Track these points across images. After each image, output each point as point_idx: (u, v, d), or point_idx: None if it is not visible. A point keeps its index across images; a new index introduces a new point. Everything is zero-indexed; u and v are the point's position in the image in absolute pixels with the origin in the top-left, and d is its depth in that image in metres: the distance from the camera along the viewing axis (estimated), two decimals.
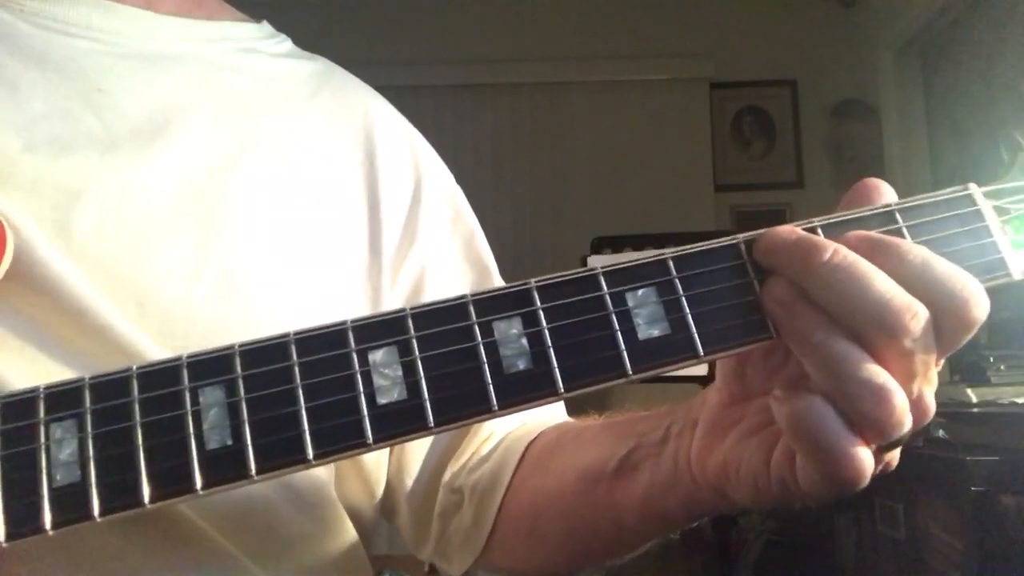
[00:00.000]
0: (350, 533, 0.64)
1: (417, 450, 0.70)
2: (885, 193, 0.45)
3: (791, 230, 0.42)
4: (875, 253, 0.40)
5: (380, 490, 0.69)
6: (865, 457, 0.39)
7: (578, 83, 3.58)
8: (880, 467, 0.42)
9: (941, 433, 1.87)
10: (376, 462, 0.68)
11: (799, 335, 0.40)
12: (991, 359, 2.00)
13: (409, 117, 0.80)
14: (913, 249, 0.41)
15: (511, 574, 0.70)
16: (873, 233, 0.42)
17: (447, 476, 0.70)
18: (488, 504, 0.66)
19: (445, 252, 0.74)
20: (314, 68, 0.76)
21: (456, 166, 0.80)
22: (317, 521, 0.61)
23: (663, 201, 3.33)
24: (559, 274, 0.41)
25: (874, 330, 0.39)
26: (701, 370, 0.41)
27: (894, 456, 0.43)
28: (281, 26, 0.78)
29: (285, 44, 0.77)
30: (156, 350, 0.54)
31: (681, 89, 3.56)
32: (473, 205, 0.79)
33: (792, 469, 0.42)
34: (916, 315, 0.39)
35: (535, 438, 0.68)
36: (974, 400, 1.92)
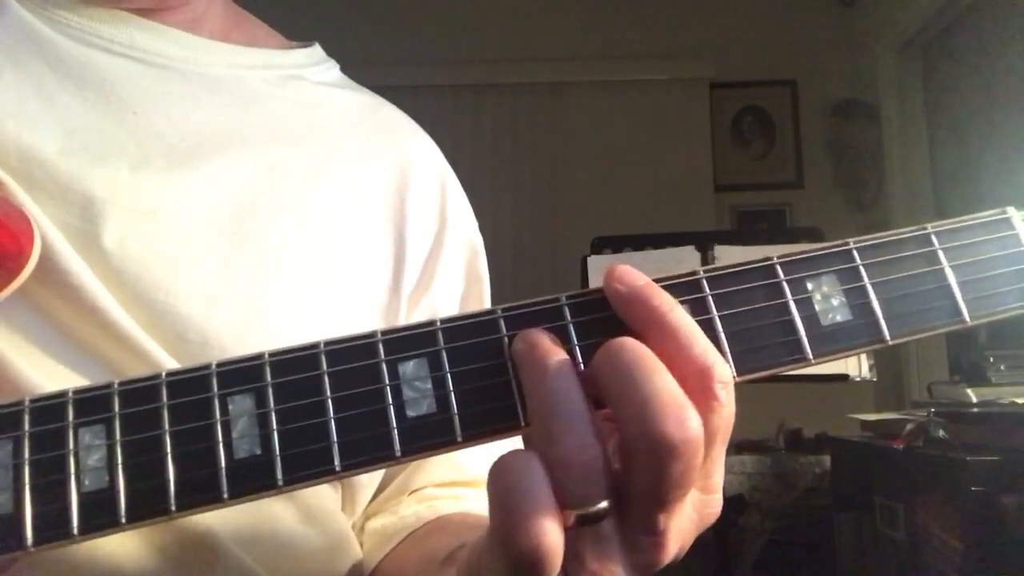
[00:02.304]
0: (355, 548, 0.65)
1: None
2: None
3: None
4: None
5: (362, 508, 0.69)
6: (551, 528, 0.35)
7: (578, 83, 3.58)
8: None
9: (941, 433, 1.87)
10: (370, 483, 0.68)
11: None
12: (991, 359, 2.01)
13: (442, 153, 0.79)
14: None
15: None
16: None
17: (363, 517, 0.69)
18: (369, 563, 0.66)
19: (451, 303, 0.74)
20: (358, 100, 0.76)
21: (456, 166, 0.80)
22: (326, 536, 0.62)
23: (663, 201, 3.34)
24: (588, 290, 0.41)
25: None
26: None
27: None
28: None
29: (332, 72, 0.76)
30: (172, 363, 0.54)
31: (681, 89, 3.56)
32: (473, 205, 0.80)
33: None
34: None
35: (431, 520, 0.66)
36: (974, 400, 1.93)
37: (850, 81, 3.50)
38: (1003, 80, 2.73)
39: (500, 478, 0.36)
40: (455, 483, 0.70)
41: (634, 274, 0.40)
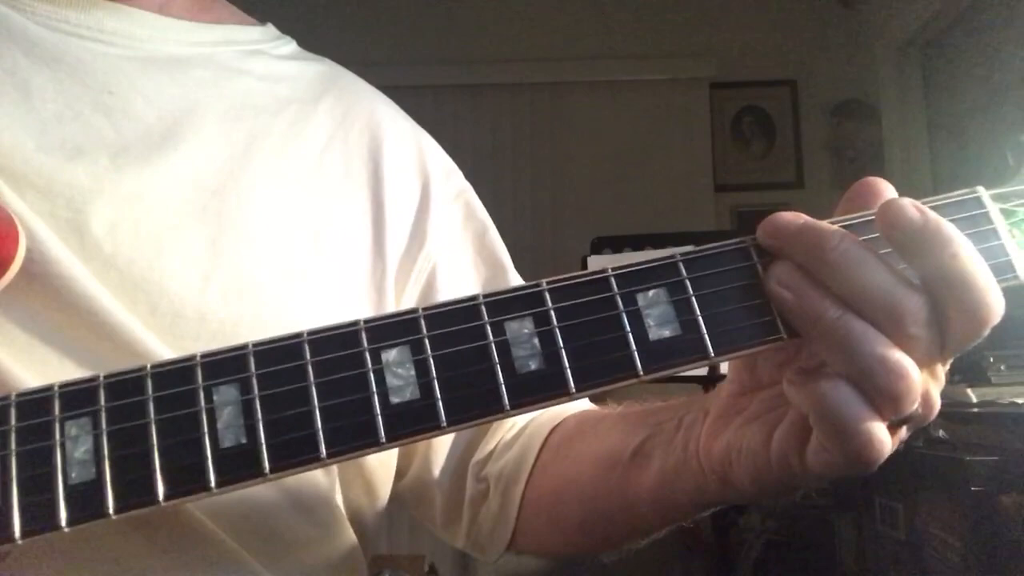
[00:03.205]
0: (349, 537, 0.65)
1: (443, 441, 0.71)
2: (886, 193, 0.45)
3: (796, 215, 0.42)
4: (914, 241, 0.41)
5: (385, 493, 0.70)
6: (885, 436, 0.41)
7: (578, 83, 3.58)
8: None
9: (941, 433, 1.87)
10: (382, 466, 0.69)
11: (813, 317, 0.41)
12: (991, 359, 2.00)
13: (409, 117, 0.80)
14: (948, 245, 0.41)
15: (535, 556, 0.71)
16: (921, 218, 0.42)
17: (473, 465, 0.71)
18: (512, 492, 0.67)
19: (457, 250, 0.75)
20: (319, 70, 0.77)
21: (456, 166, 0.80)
22: (317, 525, 0.62)
23: (663, 201, 3.34)
24: (570, 275, 0.41)
25: (880, 314, 0.40)
26: (701, 370, 0.42)
27: (899, 438, 0.44)
28: (281, 26, 0.78)
29: (289, 46, 0.77)
30: (165, 351, 0.55)
31: (681, 89, 3.56)
32: None
33: (797, 448, 0.43)
34: (919, 301, 0.40)
35: (557, 425, 0.69)
36: (974, 400, 1.92)
37: (850, 81, 3.50)
38: (1003, 80, 2.72)
39: (827, 408, 0.40)
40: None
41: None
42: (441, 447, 0.71)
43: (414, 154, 0.75)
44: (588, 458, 0.62)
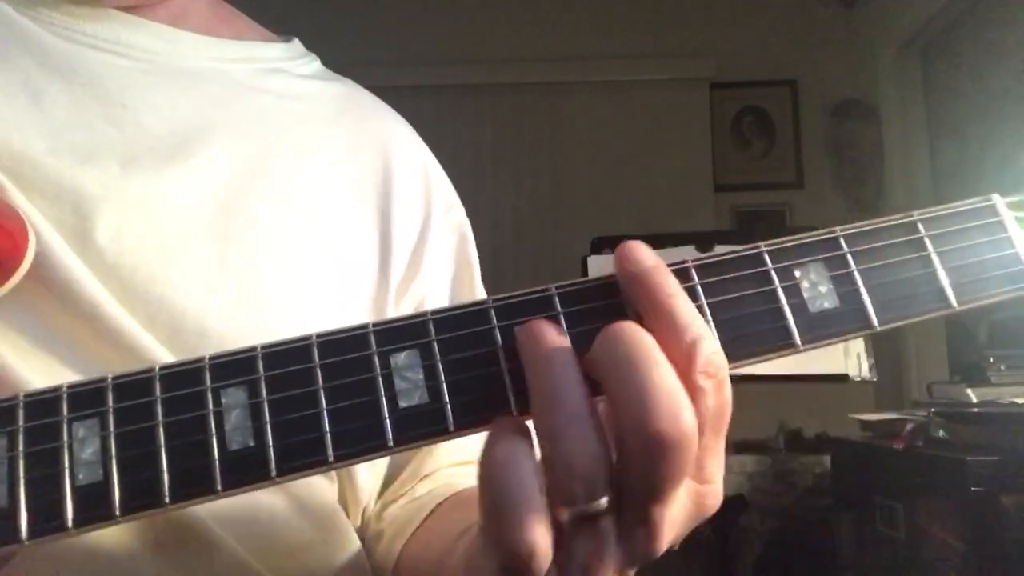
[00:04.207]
0: (353, 542, 0.65)
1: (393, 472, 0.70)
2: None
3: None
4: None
5: (372, 503, 0.70)
6: (545, 534, 0.35)
7: (578, 83, 3.58)
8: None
9: (941, 433, 1.87)
10: (372, 476, 0.68)
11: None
12: (991, 359, 2.01)
13: (409, 117, 0.80)
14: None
15: None
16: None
17: (382, 503, 0.70)
18: (394, 546, 0.65)
19: (443, 286, 0.75)
20: (339, 90, 0.76)
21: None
22: (321, 529, 0.62)
23: (663, 201, 3.34)
24: (578, 280, 0.41)
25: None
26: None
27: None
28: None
29: (313, 64, 0.77)
30: (169, 358, 0.54)
31: (681, 89, 3.56)
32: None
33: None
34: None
35: (450, 496, 0.66)
36: (974, 400, 1.93)
37: (850, 81, 3.50)
38: (1003, 80, 2.73)
39: (492, 480, 0.35)
40: (468, 462, 0.70)
41: (645, 254, 0.40)
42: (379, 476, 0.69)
43: (422, 184, 0.75)
44: (442, 532, 0.59)
